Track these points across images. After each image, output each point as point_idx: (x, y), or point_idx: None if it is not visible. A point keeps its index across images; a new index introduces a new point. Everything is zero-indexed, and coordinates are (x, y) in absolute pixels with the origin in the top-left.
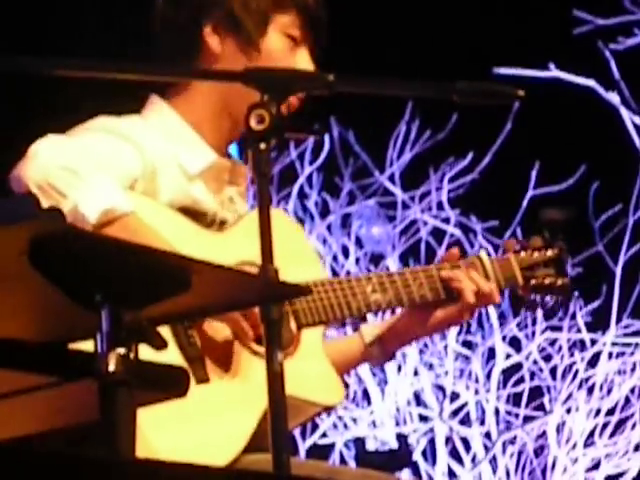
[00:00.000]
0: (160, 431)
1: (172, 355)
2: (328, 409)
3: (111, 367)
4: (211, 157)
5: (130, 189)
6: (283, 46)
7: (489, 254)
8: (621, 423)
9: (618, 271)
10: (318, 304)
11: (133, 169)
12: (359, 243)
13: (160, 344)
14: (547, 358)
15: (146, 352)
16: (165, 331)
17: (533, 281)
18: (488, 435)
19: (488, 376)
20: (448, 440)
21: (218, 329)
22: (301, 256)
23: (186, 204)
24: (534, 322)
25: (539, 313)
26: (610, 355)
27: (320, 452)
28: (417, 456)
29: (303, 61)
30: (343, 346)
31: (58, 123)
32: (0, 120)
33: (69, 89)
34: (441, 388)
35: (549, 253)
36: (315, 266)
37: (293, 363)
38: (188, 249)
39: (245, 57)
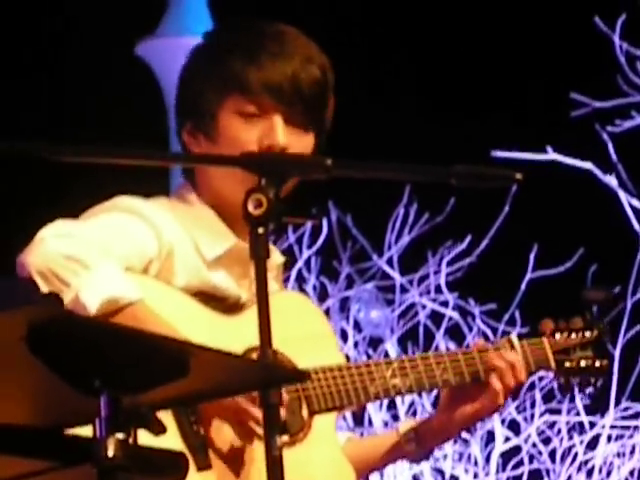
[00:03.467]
0: None
1: (174, 442)
2: None
3: (110, 452)
4: (230, 242)
5: (144, 270)
6: (234, 123)
7: (520, 337)
8: None
9: (617, 353)
10: (333, 389)
11: (148, 249)
12: (358, 327)
13: (159, 429)
14: (546, 441)
15: (148, 438)
16: (168, 418)
17: (567, 364)
18: None
19: (487, 459)
20: None
21: (224, 415)
22: (319, 340)
23: (204, 289)
24: (533, 405)
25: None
26: (609, 438)
27: None
28: None
29: (267, 132)
30: (378, 440)
31: (78, 204)
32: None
33: (91, 171)
34: (440, 471)
35: (587, 334)
36: (332, 350)
37: (302, 449)
38: (196, 334)
39: (213, 144)
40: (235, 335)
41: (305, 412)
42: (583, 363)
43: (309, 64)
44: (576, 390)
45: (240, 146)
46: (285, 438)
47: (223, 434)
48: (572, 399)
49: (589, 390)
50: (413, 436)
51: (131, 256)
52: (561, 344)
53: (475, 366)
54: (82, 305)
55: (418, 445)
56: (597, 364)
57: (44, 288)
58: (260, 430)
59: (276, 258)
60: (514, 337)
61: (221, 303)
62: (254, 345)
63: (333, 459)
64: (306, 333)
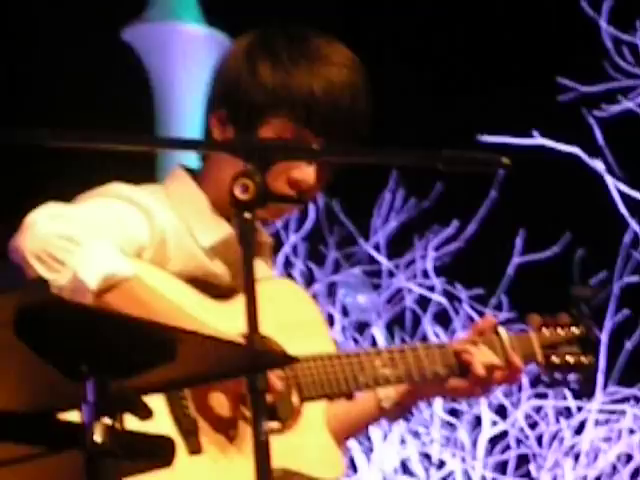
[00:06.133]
0: None
1: (165, 425)
2: None
3: (97, 437)
4: (226, 231)
5: (137, 256)
6: None
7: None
8: None
9: (604, 338)
10: (323, 377)
11: (139, 236)
12: (345, 311)
13: (146, 414)
14: (533, 425)
15: (140, 422)
16: (159, 401)
17: (554, 359)
18: None
19: (474, 444)
20: None
21: (218, 399)
22: (309, 327)
23: (198, 275)
24: (520, 389)
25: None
26: (596, 422)
27: None
28: None
29: (299, 166)
30: (358, 404)
31: (71, 189)
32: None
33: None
34: (427, 456)
35: (575, 331)
36: (323, 338)
37: (292, 436)
38: None
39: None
40: (228, 321)
41: (295, 399)
42: (570, 358)
43: (363, 117)
44: (562, 385)
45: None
46: (276, 424)
47: (214, 418)
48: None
49: (574, 385)
50: (390, 395)
51: (122, 241)
52: (548, 339)
53: (460, 355)
54: (81, 283)
55: (395, 402)
56: (583, 360)
57: (40, 270)
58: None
59: (265, 239)
60: (503, 332)
61: (215, 290)
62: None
63: (323, 446)
64: (298, 320)
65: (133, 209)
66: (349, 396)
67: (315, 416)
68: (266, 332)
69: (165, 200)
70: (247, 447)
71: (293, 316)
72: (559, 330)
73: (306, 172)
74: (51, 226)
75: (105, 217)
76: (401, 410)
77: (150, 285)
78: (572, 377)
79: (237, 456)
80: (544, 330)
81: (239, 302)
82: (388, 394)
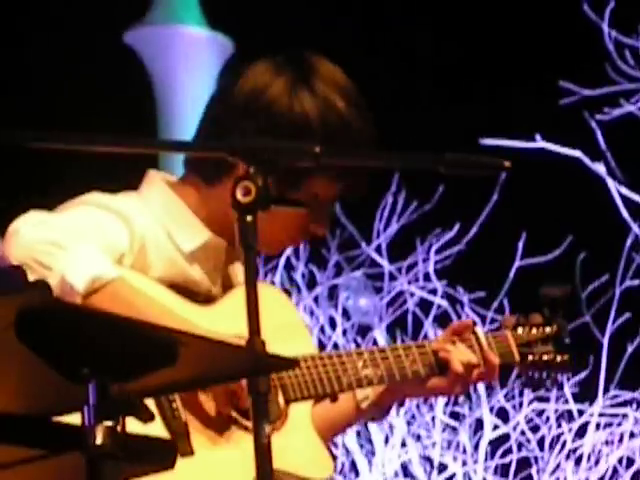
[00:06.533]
0: None
1: (156, 428)
2: None
3: (98, 440)
4: (205, 236)
5: (117, 263)
6: (296, 217)
7: (485, 330)
8: None
9: (605, 342)
10: (307, 379)
11: (119, 243)
12: (346, 314)
13: (147, 417)
14: (535, 429)
15: (131, 425)
16: (149, 404)
17: (530, 357)
18: None
19: (476, 447)
20: None
21: (206, 396)
22: (290, 330)
23: (178, 281)
24: (521, 393)
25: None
26: (598, 426)
27: None
28: None
29: (319, 218)
30: (337, 406)
31: (51, 199)
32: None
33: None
34: (429, 459)
35: (548, 330)
36: (304, 340)
37: (281, 438)
38: None
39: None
40: (213, 325)
41: (281, 400)
42: (545, 357)
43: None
44: (538, 384)
45: (294, 222)
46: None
47: (204, 420)
48: (560, 387)
49: (549, 384)
50: (369, 395)
51: (103, 248)
52: (524, 338)
53: (438, 353)
54: (69, 286)
55: (373, 403)
56: (558, 359)
57: (28, 277)
58: (237, 415)
59: None
60: (479, 331)
61: (194, 296)
62: (236, 333)
63: (311, 446)
64: (279, 323)
65: (112, 216)
66: (333, 398)
67: (301, 417)
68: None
69: (143, 206)
70: (236, 448)
71: (274, 319)
72: (533, 330)
73: (322, 225)
74: (34, 233)
75: (85, 224)
76: (379, 410)
77: (136, 287)
78: (548, 378)
79: (229, 453)
80: (519, 330)
81: (220, 307)
82: (366, 395)
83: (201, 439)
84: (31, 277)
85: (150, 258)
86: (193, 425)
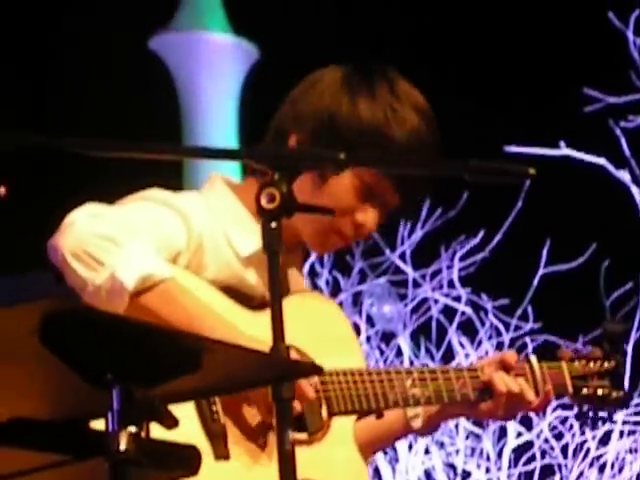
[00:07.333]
0: None
1: (194, 429)
2: None
3: (122, 446)
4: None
5: (172, 261)
6: (349, 188)
7: (539, 360)
8: None
9: (629, 349)
10: (353, 393)
11: (176, 241)
12: (370, 321)
13: (171, 423)
14: (558, 436)
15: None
16: (189, 406)
17: (585, 391)
18: None
19: (499, 454)
20: None
21: (249, 407)
22: (342, 343)
23: (233, 284)
24: (544, 412)
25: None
26: (621, 433)
27: None
28: None
29: (364, 217)
30: (386, 421)
31: (100, 198)
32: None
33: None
34: (452, 466)
35: (606, 365)
36: (355, 354)
37: (320, 449)
38: None
39: (311, 181)
40: (259, 330)
41: (325, 413)
42: (600, 392)
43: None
44: (590, 419)
45: (338, 206)
46: (304, 436)
47: (244, 425)
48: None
49: (601, 419)
50: (419, 413)
51: (159, 244)
52: (579, 371)
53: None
54: (119, 283)
55: (424, 422)
56: (614, 395)
57: (78, 268)
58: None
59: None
60: (534, 360)
61: (248, 300)
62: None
63: (350, 460)
64: (330, 335)
65: (171, 214)
66: (379, 414)
67: (343, 430)
68: (297, 345)
69: (203, 207)
70: (273, 456)
71: (325, 331)
72: (591, 363)
73: (370, 215)
74: (90, 226)
75: (143, 219)
76: (428, 429)
77: (186, 288)
78: (601, 413)
79: (267, 465)
80: (576, 362)
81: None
82: (417, 413)
83: (238, 447)
84: (82, 270)
85: (206, 259)
86: (232, 432)
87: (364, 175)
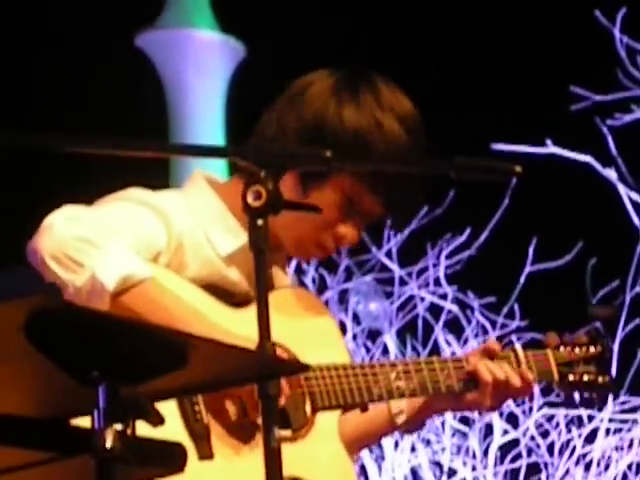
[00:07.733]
0: None
1: (176, 430)
2: None
3: (108, 443)
4: (243, 239)
5: (153, 261)
6: (334, 200)
7: (524, 347)
8: None
9: (615, 347)
10: (337, 388)
11: (156, 240)
12: (356, 319)
13: (157, 420)
14: (544, 434)
15: (149, 427)
16: (171, 406)
17: (571, 377)
18: None
19: (485, 452)
20: None
21: (232, 403)
22: (324, 337)
23: (214, 281)
24: (531, 398)
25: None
26: (607, 431)
27: None
28: None
29: (348, 231)
30: (371, 417)
31: (84, 196)
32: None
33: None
34: (438, 464)
35: (592, 350)
36: (338, 348)
37: (304, 445)
38: None
39: (294, 194)
40: (242, 328)
41: (308, 408)
42: (586, 378)
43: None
44: (578, 404)
45: (319, 220)
46: (288, 433)
47: (226, 421)
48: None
49: (589, 405)
50: (404, 409)
51: (138, 245)
52: (565, 357)
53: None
54: (99, 284)
55: (409, 418)
56: (600, 380)
57: (58, 271)
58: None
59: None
60: (519, 348)
61: (230, 297)
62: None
63: (335, 456)
64: (313, 330)
65: (151, 214)
66: (363, 408)
67: (328, 426)
68: (281, 341)
69: (183, 205)
70: (257, 454)
71: (309, 326)
72: (576, 349)
73: (351, 228)
74: (69, 228)
75: (122, 220)
76: (413, 424)
77: (167, 287)
78: (587, 398)
79: (251, 459)
80: (561, 349)
81: (254, 310)
82: (401, 409)
83: (222, 444)
84: (61, 272)
85: (187, 257)
86: (215, 430)
87: (345, 188)
